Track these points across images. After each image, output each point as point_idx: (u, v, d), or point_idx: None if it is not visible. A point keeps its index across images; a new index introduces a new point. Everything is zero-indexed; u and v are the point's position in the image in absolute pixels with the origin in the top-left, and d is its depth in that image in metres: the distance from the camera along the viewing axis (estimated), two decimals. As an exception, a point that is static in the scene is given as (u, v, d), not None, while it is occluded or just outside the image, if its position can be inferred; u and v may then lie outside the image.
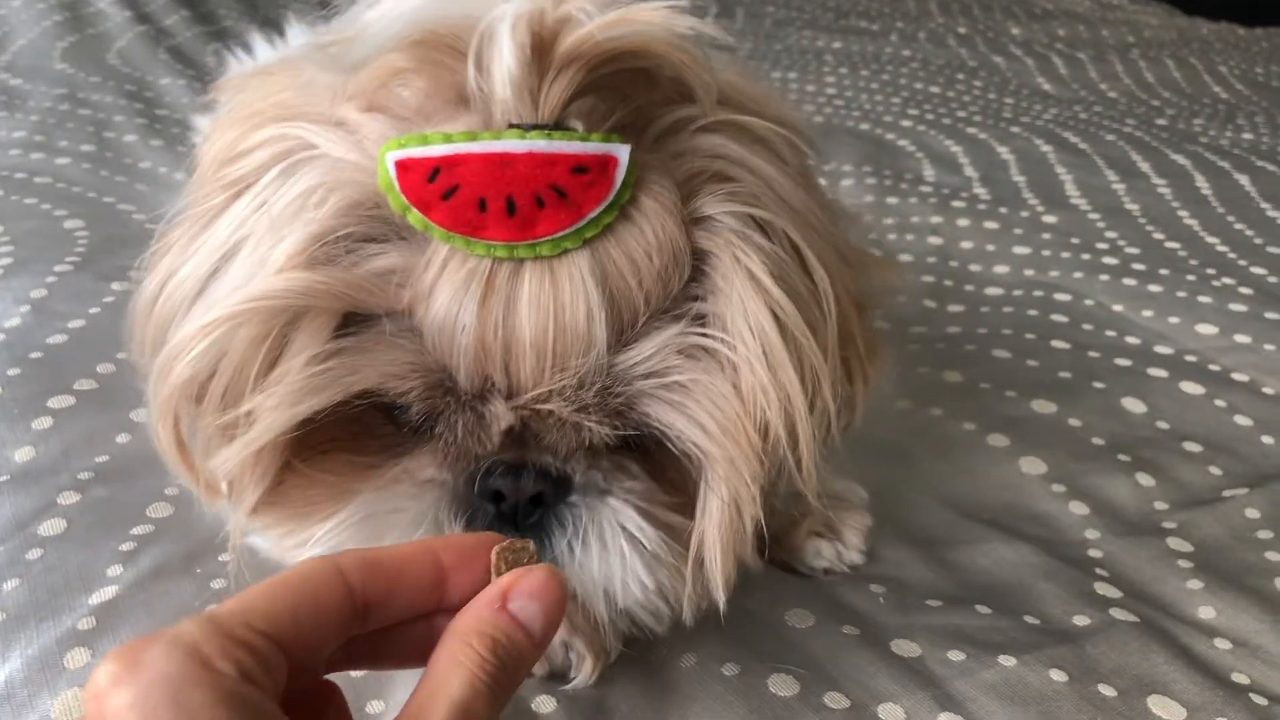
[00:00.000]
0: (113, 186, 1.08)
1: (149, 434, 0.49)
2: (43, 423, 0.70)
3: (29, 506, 0.63)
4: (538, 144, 0.40)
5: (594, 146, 0.41)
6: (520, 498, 0.46)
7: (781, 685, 0.54)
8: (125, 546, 0.60)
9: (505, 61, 0.40)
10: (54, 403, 0.72)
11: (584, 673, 0.54)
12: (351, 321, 0.43)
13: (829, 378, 0.46)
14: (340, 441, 0.47)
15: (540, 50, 0.40)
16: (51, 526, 0.62)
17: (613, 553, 0.46)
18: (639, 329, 0.43)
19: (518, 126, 0.41)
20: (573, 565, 0.46)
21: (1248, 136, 1.58)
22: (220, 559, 0.60)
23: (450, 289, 0.41)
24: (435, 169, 0.40)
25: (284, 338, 0.43)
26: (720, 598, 0.47)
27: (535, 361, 0.42)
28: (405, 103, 0.44)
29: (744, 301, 0.43)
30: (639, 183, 0.42)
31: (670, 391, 0.43)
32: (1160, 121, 1.64)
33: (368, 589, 0.36)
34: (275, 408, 0.42)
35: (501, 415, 0.44)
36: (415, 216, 0.41)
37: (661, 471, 0.48)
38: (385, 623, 0.37)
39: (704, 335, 0.43)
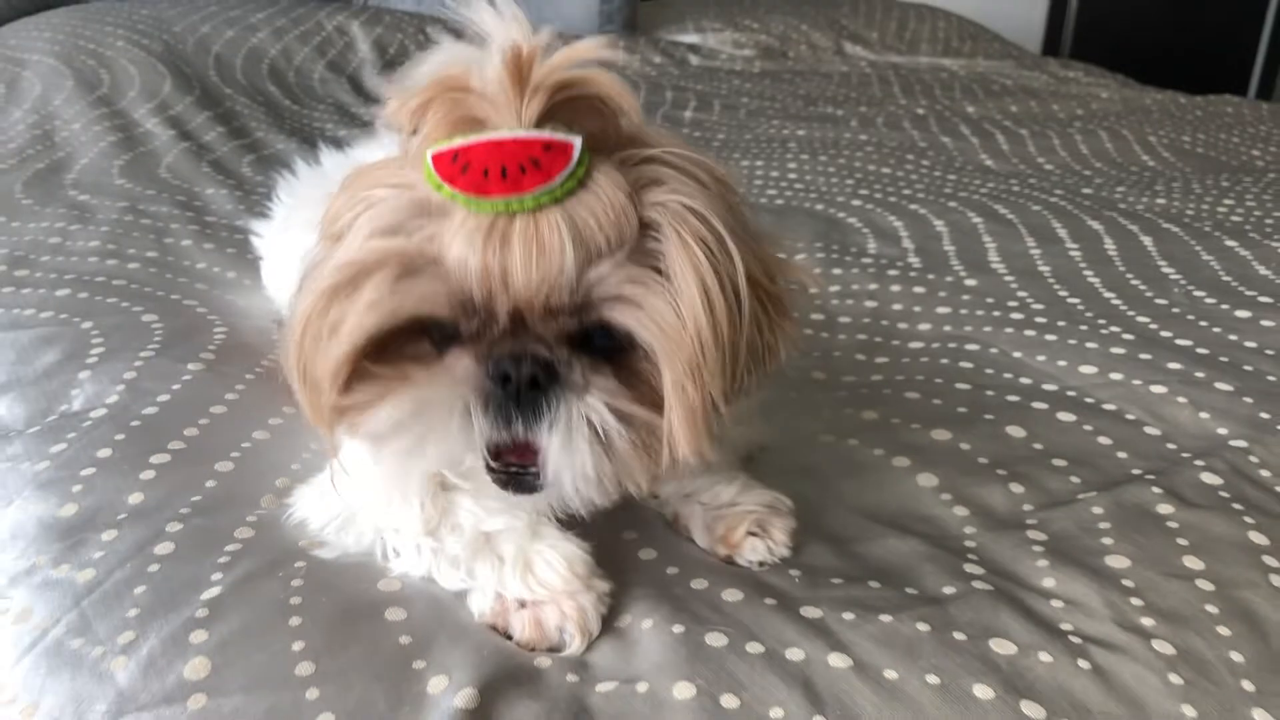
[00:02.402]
0: (177, 286, 1.29)
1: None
2: (147, 474, 0.90)
3: (145, 535, 0.83)
4: (520, 133, 0.64)
5: (558, 135, 0.64)
6: (521, 378, 0.66)
7: (715, 639, 0.73)
8: (222, 560, 0.80)
9: (496, 89, 0.64)
10: (155, 459, 0.92)
11: (574, 646, 0.74)
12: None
13: (738, 328, 0.67)
14: (400, 353, 0.69)
15: (518, 79, 0.64)
16: (164, 548, 0.81)
17: (579, 438, 0.66)
18: (602, 260, 0.65)
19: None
20: (552, 445, 0.67)
21: (1161, 201, 1.79)
22: (296, 565, 0.79)
23: (465, 236, 0.64)
24: (455, 154, 0.64)
25: (355, 286, 0.66)
26: (689, 458, 0.68)
27: (524, 277, 0.63)
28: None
29: (680, 259, 0.65)
30: (593, 165, 0.65)
31: (622, 302, 0.65)
32: (1086, 190, 1.85)
33: None
34: (354, 321, 0.66)
35: (505, 307, 0.65)
36: (445, 190, 0.64)
37: (633, 375, 0.68)
38: None
39: (651, 269, 0.66)
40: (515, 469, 0.69)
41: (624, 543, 0.85)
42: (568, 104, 0.66)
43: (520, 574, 0.75)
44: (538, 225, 0.63)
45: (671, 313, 0.65)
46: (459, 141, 0.65)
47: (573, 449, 0.66)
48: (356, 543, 0.81)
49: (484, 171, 0.64)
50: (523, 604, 0.75)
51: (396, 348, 0.68)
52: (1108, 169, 2.02)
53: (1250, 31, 4.23)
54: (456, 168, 0.64)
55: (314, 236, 0.75)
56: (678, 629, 0.74)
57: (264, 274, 1.28)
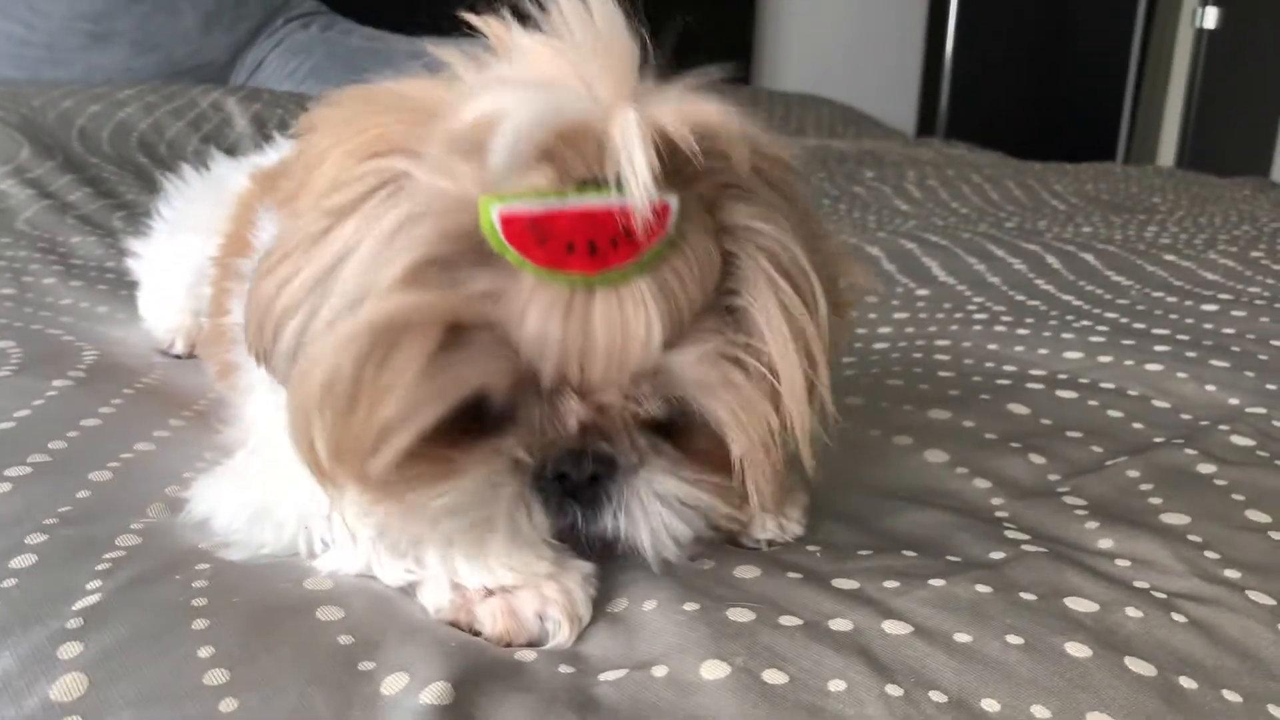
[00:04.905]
0: (38, 318, 1.12)
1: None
2: (2, 487, 0.72)
3: (-3, 549, 0.65)
4: (613, 200, 0.49)
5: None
6: (581, 478, 0.57)
7: (739, 614, 0.59)
8: (101, 567, 0.63)
9: (637, 158, 0.49)
10: (11, 472, 0.74)
11: (561, 636, 0.59)
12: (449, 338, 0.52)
13: (824, 358, 0.56)
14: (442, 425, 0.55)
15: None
16: (23, 561, 0.64)
17: (651, 516, 0.58)
18: (686, 329, 0.54)
19: (593, 181, 0.50)
20: (620, 532, 0.58)
21: (1087, 230, 1.75)
22: (197, 568, 0.63)
23: (539, 310, 0.50)
24: (534, 222, 0.50)
25: (390, 348, 0.51)
26: (770, 512, 0.66)
27: (605, 363, 0.52)
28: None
29: (765, 301, 0.54)
30: (682, 215, 0.52)
31: (709, 387, 0.55)
32: (1009, 224, 1.80)
33: None
34: (403, 420, 0.52)
35: (575, 410, 0.55)
36: (513, 255, 0.50)
37: (690, 442, 0.59)
38: None
39: (736, 347, 0.55)
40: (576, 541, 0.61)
41: (603, 530, 0.70)
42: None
43: (480, 555, 0.60)
44: (621, 301, 0.51)
45: (759, 397, 0.55)
46: (537, 205, 0.50)
47: (642, 530, 0.59)
48: (275, 538, 0.65)
49: (568, 246, 0.50)
50: (490, 592, 0.60)
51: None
52: (1022, 211, 1.99)
53: (1112, 114, 4.38)
54: (533, 238, 0.50)
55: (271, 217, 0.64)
56: (690, 607, 0.59)
57: (141, 304, 1.12)
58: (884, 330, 1.16)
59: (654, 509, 0.58)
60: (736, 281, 0.55)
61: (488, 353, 0.52)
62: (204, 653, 0.55)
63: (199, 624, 0.57)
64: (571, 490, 0.57)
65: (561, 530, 0.59)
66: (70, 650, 0.55)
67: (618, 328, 0.51)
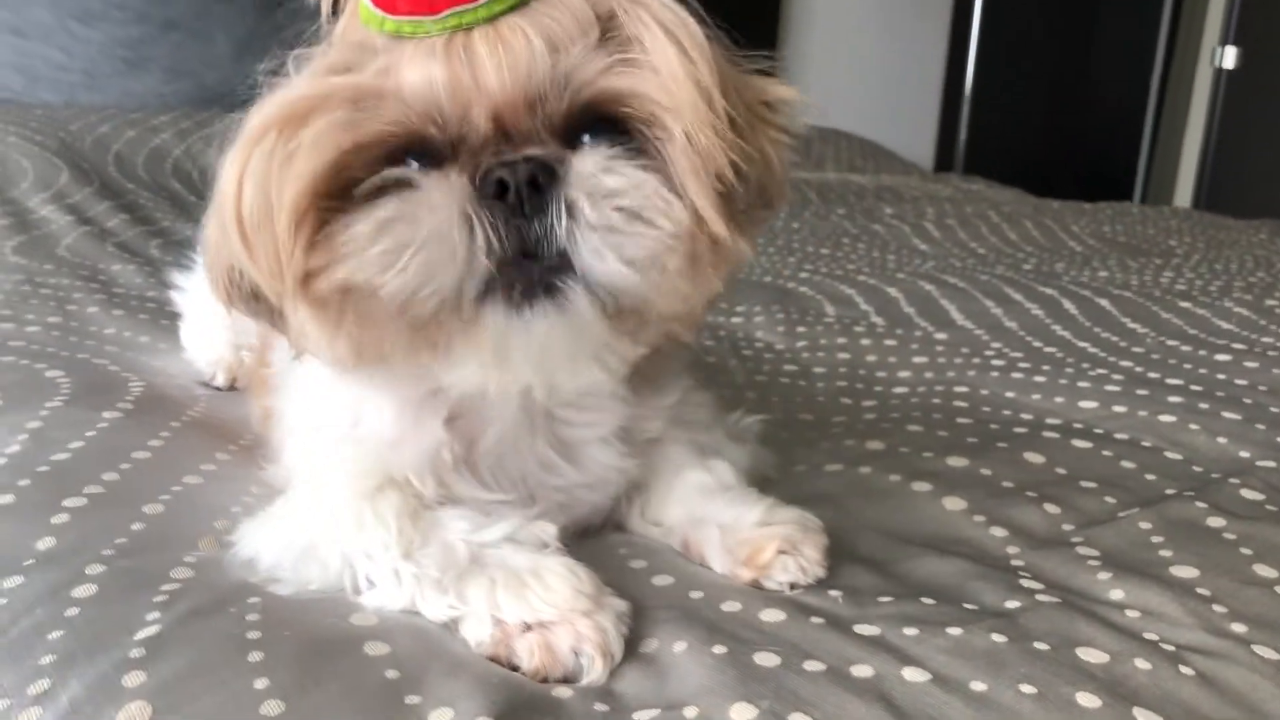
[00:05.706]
0: (83, 347, 1.16)
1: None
2: (60, 518, 0.76)
3: (59, 578, 0.68)
4: None
5: None
6: (519, 182, 0.58)
7: (765, 659, 0.62)
8: (159, 599, 0.66)
9: None
10: (68, 503, 0.78)
11: (595, 673, 0.61)
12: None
13: (717, 98, 0.60)
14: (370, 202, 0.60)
15: None
16: (84, 590, 0.67)
17: (599, 211, 0.58)
18: (574, 45, 0.60)
19: None
20: (582, 232, 0.58)
21: (1103, 274, 1.78)
22: (249, 601, 0.66)
23: (421, 56, 0.58)
24: None
25: (299, 125, 0.59)
26: (720, 230, 0.60)
27: (498, 79, 0.58)
28: None
29: (649, 29, 0.60)
30: None
31: (610, 71, 0.60)
32: (1026, 266, 1.83)
33: None
34: (309, 153, 0.58)
35: (482, 116, 0.59)
36: (389, 23, 0.58)
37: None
38: None
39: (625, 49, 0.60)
40: (538, 271, 0.59)
41: (632, 571, 0.73)
42: None
43: (520, 591, 0.64)
44: (499, 31, 0.59)
45: (657, 74, 0.60)
46: None
47: (603, 229, 0.58)
48: (321, 575, 0.68)
49: None
50: (528, 627, 0.63)
51: (365, 199, 0.60)
52: (1040, 252, 2.02)
53: (1130, 152, 4.40)
54: None
55: None
56: (719, 650, 0.62)
57: (184, 335, 1.16)
58: (903, 375, 1.19)
59: (601, 205, 0.58)
60: (622, 33, 0.60)
61: (390, 105, 0.59)
62: (260, 684, 0.58)
63: (254, 656, 0.60)
64: (518, 204, 0.58)
65: (511, 248, 0.58)
66: (134, 679, 0.58)
67: (498, 50, 0.58)
